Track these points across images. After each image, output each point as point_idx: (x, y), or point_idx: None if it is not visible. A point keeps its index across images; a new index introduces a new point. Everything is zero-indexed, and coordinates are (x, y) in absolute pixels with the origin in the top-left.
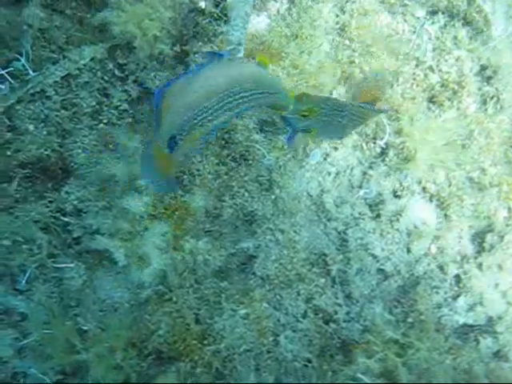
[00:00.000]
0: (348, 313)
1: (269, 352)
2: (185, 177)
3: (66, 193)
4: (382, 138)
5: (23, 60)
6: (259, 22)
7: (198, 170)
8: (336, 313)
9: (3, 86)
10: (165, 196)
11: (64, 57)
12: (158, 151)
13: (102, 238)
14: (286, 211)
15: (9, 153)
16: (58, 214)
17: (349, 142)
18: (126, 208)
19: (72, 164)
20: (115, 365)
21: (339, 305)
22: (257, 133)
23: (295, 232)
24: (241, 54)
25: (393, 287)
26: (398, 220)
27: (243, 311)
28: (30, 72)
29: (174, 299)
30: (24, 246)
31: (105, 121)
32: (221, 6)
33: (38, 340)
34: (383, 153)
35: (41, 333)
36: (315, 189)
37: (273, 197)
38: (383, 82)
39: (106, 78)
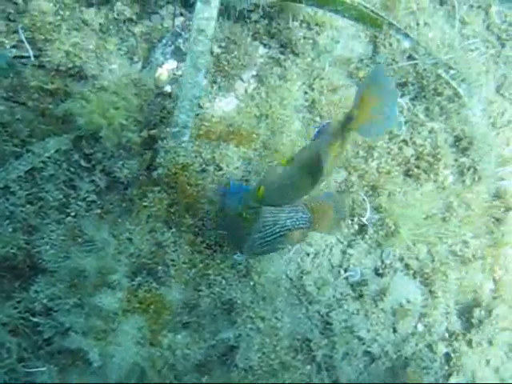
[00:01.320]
0: None
1: None
2: (159, 268)
3: (35, 292)
4: (361, 215)
5: None
6: (227, 103)
7: (173, 260)
8: None
9: None
10: (138, 290)
11: (27, 150)
12: None
13: (76, 335)
14: (266, 297)
15: None
16: (26, 315)
17: None
18: (99, 305)
19: (40, 261)
20: None
21: None
22: None
23: (277, 318)
24: (186, 138)
25: (381, 370)
26: (382, 299)
27: None
28: None
29: None
30: None
31: (72, 213)
32: None
33: None
34: (362, 230)
35: None
36: (294, 271)
37: (251, 283)
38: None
39: (71, 169)
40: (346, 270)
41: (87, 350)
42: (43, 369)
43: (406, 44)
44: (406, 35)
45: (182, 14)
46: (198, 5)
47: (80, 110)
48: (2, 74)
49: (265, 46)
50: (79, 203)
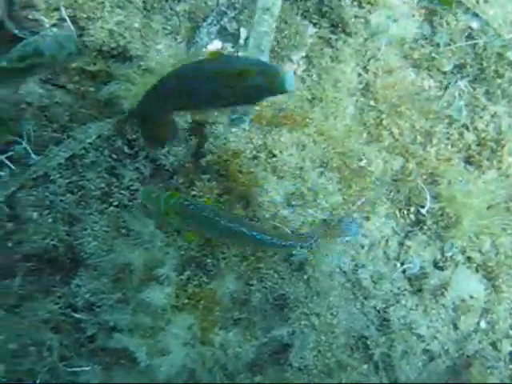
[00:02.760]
0: None
1: None
2: (208, 261)
3: (77, 286)
4: (421, 206)
5: (24, 143)
6: None
7: (223, 253)
8: None
9: (3, 173)
10: (188, 284)
11: (68, 136)
12: None
13: (121, 335)
14: (321, 292)
15: (10, 244)
16: (68, 311)
17: (381, 211)
18: (146, 301)
19: (82, 254)
20: None
21: None
22: (284, 208)
23: (332, 315)
24: (246, 125)
25: (441, 369)
26: (442, 294)
27: None
28: (32, 155)
29: None
30: (32, 349)
31: (115, 203)
32: None
33: None
34: (420, 220)
35: None
36: (348, 264)
37: (305, 277)
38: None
39: (114, 156)
40: (403, 263)
41: (134, 350)
42: (87, 368)
43: (474, 24)
44: (475, 14)
45: None
46: None
47: (125, 93)
48: (71, 59)
49: (315, 25)
50: (122, 192)
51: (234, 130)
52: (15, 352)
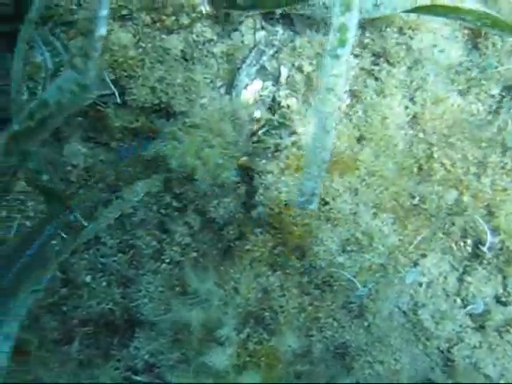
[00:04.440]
0: None
1: None
2: (267, 315)
3: (135, 348)
4: (478, 239)
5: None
6: None
7: (281, 306)
8: None
9: (55, 241)
10: (248, 342)
11: (116, 197)
12: None
13: None
14: (383, 338)
15: (64, 309)
16: (128, 374)
17: (437, 246)
18: (208, 364)
19: (138, 315)
20: None
21: None
22: (339, 255)
23: (395, 360)
24: (314, 206)
25: None
26: (507, 330)
27: None
28: (83, 222)
29: None
30: None
31: (167, 260)
32: (278, 112)
33: None
34: (478, 254)
35: None
36: (407, 303)
37: (365, 324)
38: None
39: (162, 211)
40: (463, 300)
41: None
42: None
43: None
44: None
45: (263, 28)
46: (327, 60)
47: (172, 152)
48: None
49: (356, 56)
50: (174, 248)
51: (283, 178)
52: None
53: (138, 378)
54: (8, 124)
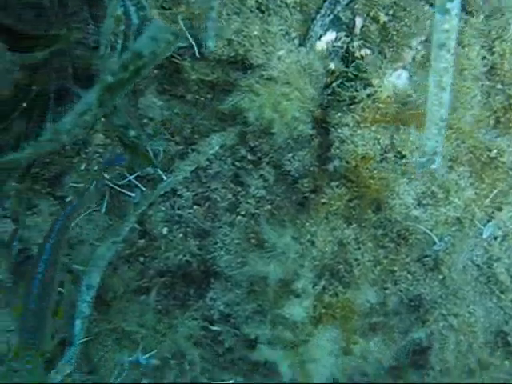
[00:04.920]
0: None
1: None
2: (342, 269)
3: (211, 299)
4: None
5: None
6: (398, 77)
7: (356, 260)
8: None
9: (133, 194)
10: (324, 295)
11: (192, 150)
12: None
13: (265, 349)
14: (457, 291)
15: (142, 260)
16: (205, 323)
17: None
18: (285, 315)
19: (214, 267)
20: None
21: None
22: (415, 208)
23: (469, 313)
24: (437, 165)
25: None
26: None
27: None
28: (163, 176)
29: None
30: (173, 362)
31: (242, 213)
32: (353, 64)
33: None
34: None
35: None
36: (481, 256)
37: (440, 277)
38: None
39: (237, 164)
40: None
41: (277, 364)
42: (230, 382)
43: None
44: None
45: None
46: (437, 16)
47: (249, 105)
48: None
49: (431, 5)
50: (249, 201)
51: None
52: (157, 367)
53: (215, 328)
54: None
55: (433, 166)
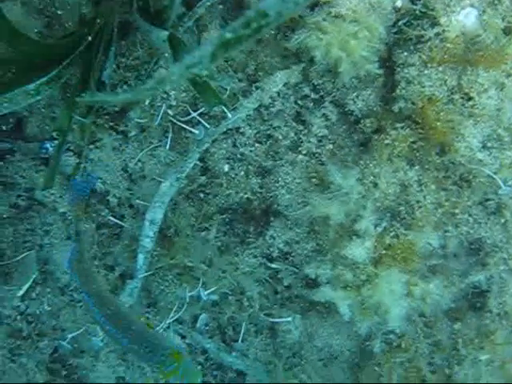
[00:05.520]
0: None
1: None
2: (404, 210)
3: (271, 237)
4: None
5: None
6: (466, 16)
7: (418, 202)
8: None
9: (197, 131)
10: (385, 236)
11: (256, 87)
12: None
13: (325, 288)
14: None
15: (203, 196)
16: (264, 261)
17: None
18: (346, 255)
19: (275, 206)
20: None
21: None
22: (480, 151)
23: None
24: None
25: None
26: None
27: (485, 357)
28: (228, 114)
29: (405, 347)
30: (231, 298)
31: (304, 152)
32: (421, 1)
33: None
34: None
35: None
36: None
37: (502, 220)
38: None
39: (300, 102)
40: None
41: (337, 304)
42: (289, 319)
43: None
44: None
45: None
46: None
47: (316, 43)
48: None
49: None
50: (311, 140)
51: (426, 71)
52: (216, 302)
53: (274, 266)
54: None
55: None
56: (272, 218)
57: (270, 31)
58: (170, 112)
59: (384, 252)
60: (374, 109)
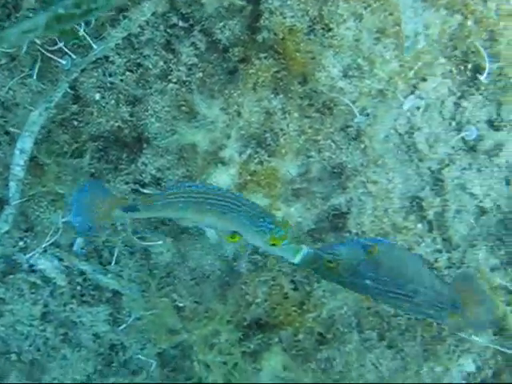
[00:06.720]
0: (449, 259)
1: (369, 308)
2: (267, 135)
3: (143, 164)
4: (479, 67)
5: (82, 30)
6: None
7: (282, 129)
8: (437, 260)
9: (64, 61)
10: (250, 163)
11: (124, 16)
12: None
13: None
14: (378, 160)
15: (75, 124)
16: (137, 186)
17: (438, 70)
18: (211, 182)
19: (146, 133)
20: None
21: (439, 251)
22: (341, 80)
23: (388, 180)
24: (421, 45)
25: (492, 222)
26: (497, 155)
27: None
28: (92, 44)
29: (269, 266)
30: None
31: (174, 80)
32: None
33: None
34: (476, 79)
35: (139, 313)
36: (404, 126)
37: (362, 146)
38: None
39: (169, 31)
40: (458, 124)
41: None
42: (159, 242)
43: None
44: None
45: None
46: None
47: None
48: None
49: None
50: (180, 68)
51: (289, 2)
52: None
53: (146, 191)
54: None
55: (418, 47)
56: (144, 145)
57: None
58: (37, 41)
59: (249, 178)
60: (241, 38)
